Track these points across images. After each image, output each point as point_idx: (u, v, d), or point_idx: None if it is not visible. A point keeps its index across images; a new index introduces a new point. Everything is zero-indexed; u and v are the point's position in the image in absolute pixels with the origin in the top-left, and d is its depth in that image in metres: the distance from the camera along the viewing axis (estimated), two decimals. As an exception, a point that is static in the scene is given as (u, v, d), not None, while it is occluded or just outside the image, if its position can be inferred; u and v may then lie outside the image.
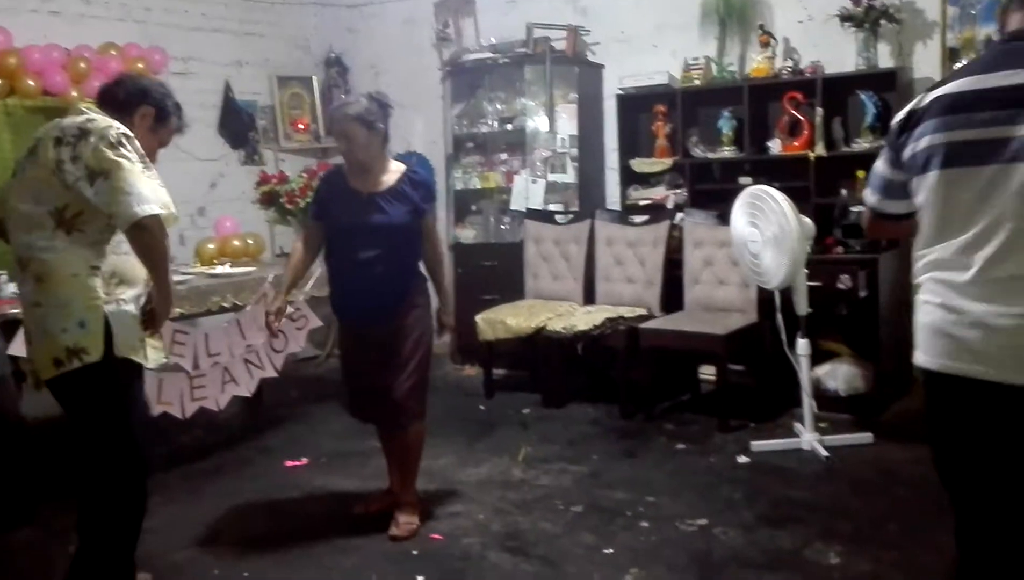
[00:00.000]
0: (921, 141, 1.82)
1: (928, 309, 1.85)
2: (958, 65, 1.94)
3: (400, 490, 3.44)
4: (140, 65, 5.08)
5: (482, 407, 4.93)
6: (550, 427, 4.53)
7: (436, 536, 3.30)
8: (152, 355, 2.68)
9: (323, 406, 5.04)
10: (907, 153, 1.86)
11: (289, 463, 4.16)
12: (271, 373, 4.25)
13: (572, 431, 4.45)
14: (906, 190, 1.90)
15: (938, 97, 1.80)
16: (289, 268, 3.41)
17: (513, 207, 5.50)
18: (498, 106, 5.69)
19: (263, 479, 3.98)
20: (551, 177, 5.43)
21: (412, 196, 3.26)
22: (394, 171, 3.30)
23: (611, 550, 3.13)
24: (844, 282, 4.33)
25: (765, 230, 3.95)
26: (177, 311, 3.93)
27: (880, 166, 1.98)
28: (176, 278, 4.15)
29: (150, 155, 2.60)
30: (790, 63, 4.78)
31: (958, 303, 1.77)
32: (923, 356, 1.86)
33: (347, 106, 3.27)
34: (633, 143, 5.34)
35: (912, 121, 1.85)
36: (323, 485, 3.88)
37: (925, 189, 1.83)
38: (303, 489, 3.84)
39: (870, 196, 2.04)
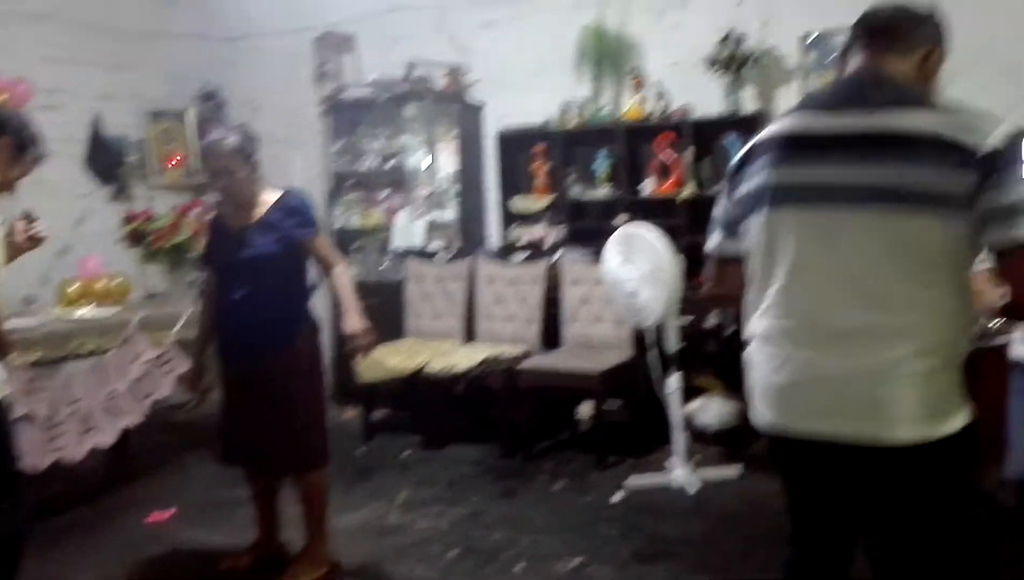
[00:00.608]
0: (754, 179, 1.79)
1: (759, 361, 1.82)
2: (798, 101, 1.90)
3: (307, 542, 3.31)
4: (3, 96, 4.85)
5: (361, 450, 4.84)
6: (430, 469, 4.48)
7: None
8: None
9: (193, 454, 4.83)
10: (741, 192, 1.83)
11: (154, 516, 3.97)
12: (136, 420, 4.07)
13: (452, 472, 4.41)
14: (737, 230, 1.86)
15: (777, 136, 1.78)
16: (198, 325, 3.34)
17: (394, 245, 5.46)
18: (379, 143, 5.66)
19: (125, 533, 3.79)
20: (432, 215, 5.42)
21: (282, 225, 3.11)
22: (266, 201, 3.17)
23: (485, 595, 3.10)
24: (713, 319, 4.46)
25: (640, 268, 4.03)
26: (34, 356, 3.74)
27: (719, 208, 1.93)
28: (33, 322, 3.96)
29: (8, 186, 2.53)
30: (661, 106, 4.93)
31: (789, 352, 1.74)
32: (760, 415, 1.85)
33: (224, 140, 3.12)
34: (513, 181, 5.40)
35: (750, 159, 1.82)
36: (190, 538, 3.73)
37: (751, 232, 1.80)
38: (169, 543, 3.68)
39: (711, 241, 1.96)
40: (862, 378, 1.65)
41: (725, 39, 4.66)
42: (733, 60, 4.64)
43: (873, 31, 1.77)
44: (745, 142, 1.91)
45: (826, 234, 1.68)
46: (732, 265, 1.91)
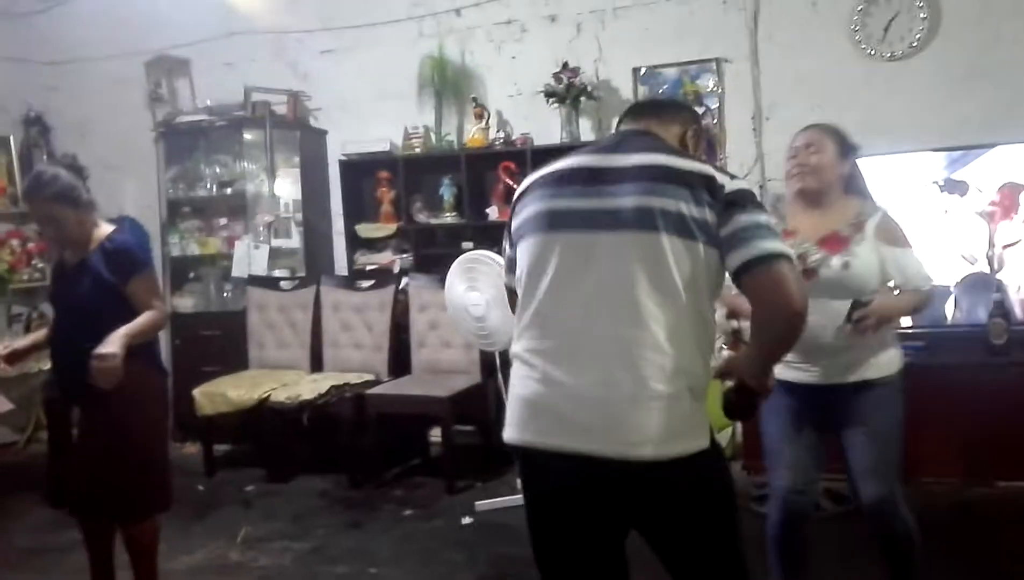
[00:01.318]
0: (528, 209, 1.88)
1: (517, 380, 1.83)
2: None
3: None
4: None
5: (201, 487, 4.65)
6: (274, 503, 4.35)
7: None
8: None
9: (18, 496, 4.52)
10: (515, 223, 1.92)
11: (-32, 566, 3.69)
12: (-52, 466, 3.76)
13: (297, 505, 4.30)
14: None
15: (552, 172, 1.89)
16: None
17: (235, 274, 5.31)
18: (217, 169, 5.50)
19: (-64, 588, 3.50)
20: (275, 242, 5.31)
21: (99, 269, 2.92)
22: (96, 238, 2.97)
23: (327, 628, 3.04)
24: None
25: (486, 292, 4.06)
26: None
27: (505, 246, 2.01)
28: None
29: None
30: (502, 134, 5.02)
31: (550, 371, 1.76)
32: (511, 431, 1.84)
33: (45, 186, 2.89)
34: (359, 208, 5.36)
35: (527, 192, 1.92)
36: (6, 588, 3.48)
37: (520, 257, 1.87)
38: (-15, 595, 3.42)
39: (504, 277, 2.05)
40: (610, 398, 1.71)
41: (560, 72, 4.80)
42: (569, 92, 4.79)
43: (640, 108, 2.06)
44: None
45: (584, 255, 1.77)
46: (515, 297, 1.96)
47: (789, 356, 2.25)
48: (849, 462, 2.51)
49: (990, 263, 4.08)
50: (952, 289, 4.14)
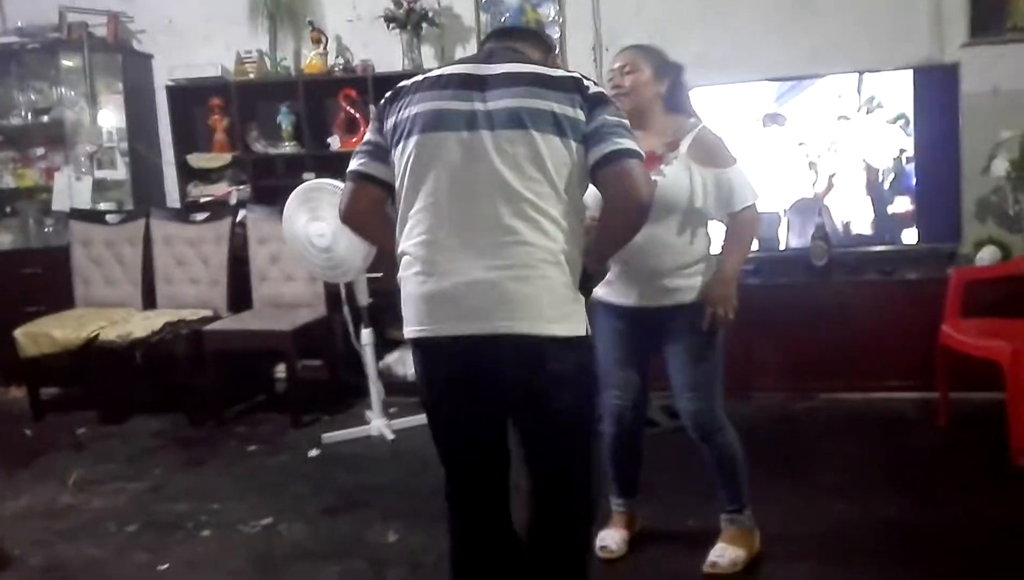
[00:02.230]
0: (404, 111, 1.95)
1: (410, 277, 1.94)
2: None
3: None
4: None
5: (28, 432, 4.41)
6: (108, 445, 4.17)
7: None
8: None
9: None
10: (389, 123, 1.98)
11: None
12: None
13: (133, 447, 4.14)
14: (387, 154, 1.99)
15: (427, 77, 1.98)
16: None
17: (56, 207, 4.98)
18: (32, 96, 5.10)
19: None
20: (99, 174, 5.01)
21: None
22: None
23: (166, 565, 2.96)
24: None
25: (331, 222, 3.95)
26: None
27: (368, 134, 2.07)
28: None
29: None
30: (342, 61, 4.88)
31: (440, 261, 1.87)
32: (409, 327, 1.97)
33: None
34: (190, 137, 5.10)
35: (399, 95, 1.99)
36: None
37: (401, 157, 1.94)
38: None
39: (354, 162, 2.05)
40: (498, 281, 1.85)
41: (402, -3, 4.69)
42: (410, 17, 4.68)
43: (504, 32, 2.14)
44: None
45: (466, 153, 1.87)
46: (371, 186, 2.02)
47: (612, 279, 2.45)
48: (670, 380, 2.62)
49: (815, 189, 4.33)
50: (783, 214, 4.37)
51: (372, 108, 4.72)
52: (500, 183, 1.84)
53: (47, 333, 4.39)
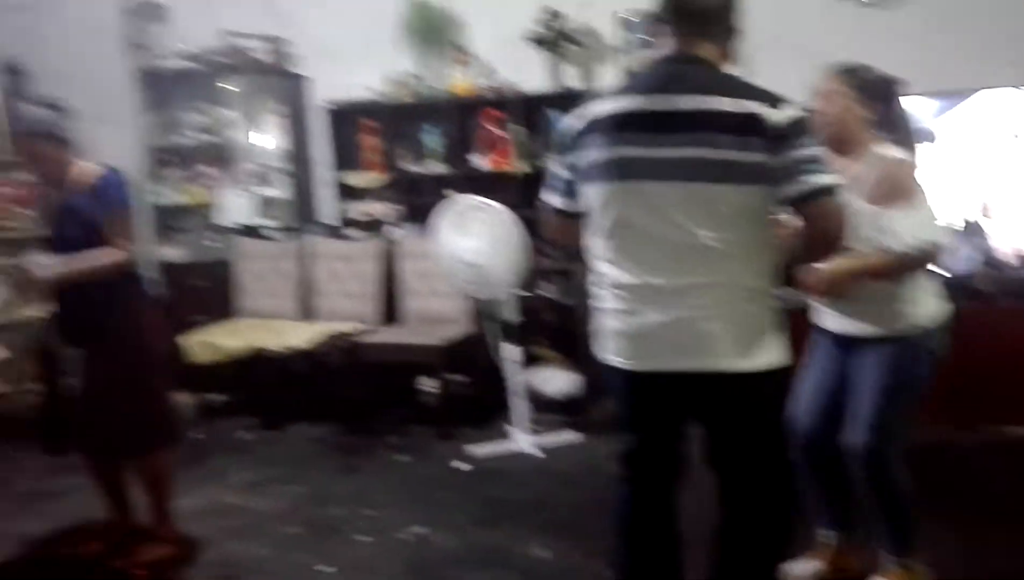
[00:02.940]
0: (591, 153, 2.02)
1: (610, 309, 2.08)
2: (623, 80, 2.23)
3: (151, 522, 3.24)
4: None
5: (196, 435, 4.68)
6: (269, 450, 4.40)
7: (140, 572, 3.09)
8: None
9: (12, 444, 4.56)
10: (576, 160, 2.08)
11: (-28, 508, 3.73)
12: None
13: (292, 452, 4.35)
14: (574, 190, 2.12)
15: (610, 116, 2.02)
16: None
17: (221, 223, 5.28)
18: (199, 117, 5.43)
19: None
20: (261, 191, 5.28)
21: (83, 208, 2.98)
22: (80, 179, 3.02)
23: (327, 567, 3.10)
24: (549, 290, 4.59)
25: (481, 239, 4.06)
26: None
27: (554, 168, 2.19)
28: None
29: None
30: (487, 82, 4.99)
31: (631, 306, 2.02)
32: (610, 354, 2.12)
33: (29, 125, 3.00)
34: (346, 157, 5.31)
35: (583, 130, 2.07)
36: (12, 529, 3.52)
37: (593, 199, 2.05)
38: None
39: (547, 196, 2.24)
40: (693, 322, 1.96)
41: (546, 18, 4.76)
42: (554, 38, 4.76)
43: (683, 16, 2.03)
44: (568, 117, 2.18)
45: (651, 203, 1.96)
46: (571, 221, 2.20)
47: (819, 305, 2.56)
48: (849, 407, 2.53)
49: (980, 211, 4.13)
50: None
51: (516, 128, 4.84)
52: (683, 232, 1.92)
53: (214, 342, 4.67)
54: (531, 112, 4.88)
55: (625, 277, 2.03)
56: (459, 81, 5.02)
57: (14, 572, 3.15)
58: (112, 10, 5.54)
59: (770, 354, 2.02)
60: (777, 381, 2.09)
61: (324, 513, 3.57)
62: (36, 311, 4.20)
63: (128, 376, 3.06)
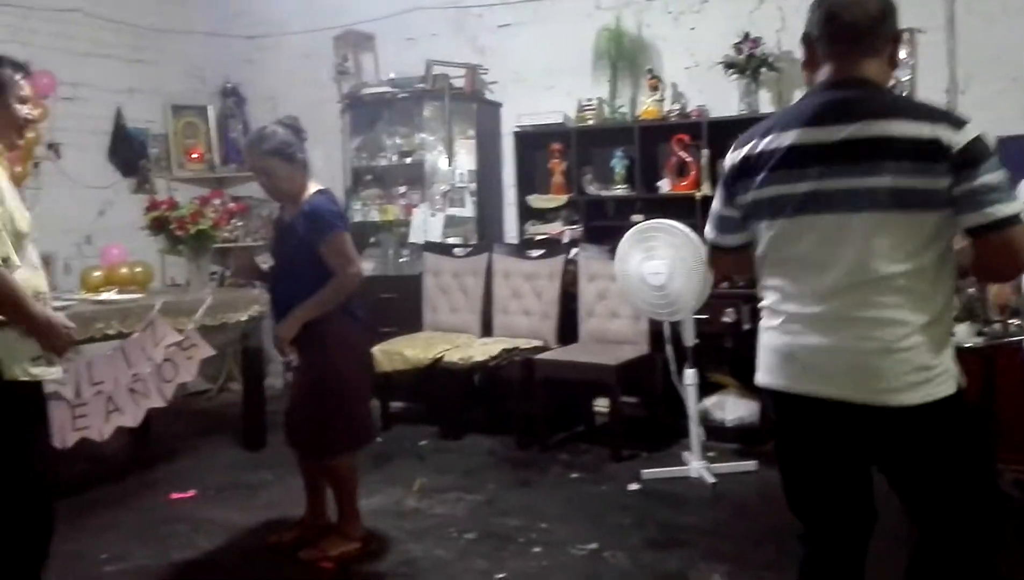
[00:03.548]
0: (757, 190, 1.95)
1: (773, 335, 1.99)
2: (781, 113, 2.09)
3: (337, 520, 3.44)
4: (27, 89, 4.93)
5: (379, 439, 4.86)
6: (446, 458, 4.53)
7: (327, 565, 3.26)
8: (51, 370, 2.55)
9: (213, 439, 4.95)
10: (742, 198, 2.00)
11: (175, 495, 4.05)
12: (159, 403, 4.12)
13: (468, 462, 4.46)
14: (738, 225, 2.05)
15: (772, 150, 1.91)
16: None
17: (412, 240, 5.54)
18: (397, 140, 5.74)
19: (148, 511, 3.86)
20: (450, 211, 5.49)
21: (298, 229, 3.21)
22: (306, 196, 3.27)
23: (503, 574, 3.15)
24: (729, 315, 4.50)
25: (667, 261, 4.05)
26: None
27: (716, 205, 2.11)
28: (57, 304, 4.02)
29: (17, 131, 2.50)
30: (678, 106, 5.00)
31: (800, 332, 1.91)
32: (768, 377, 2.01)
33: (263, 141, 3.21)
34: (530, 179, 5.47)
35: (746, 167, 1.97)
36: (210, 517, 3.79)
37: (763, 234, 1.97)
38: (189, 521, 3.74)
39: (708, 232, 2.17)
40: (860, 351, 1.84)
41: (741, 42, 4.73)
42: (749, 63, 4.71)
43: (839, 33, 1.88)
44: (730, 153, 2.07)
45: (821, 236, 1.86)
46: (727, 255, 2.15)
47: None
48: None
49: None
50: None
51: (704, 152, 4.81)
52: (855, 266, 1.82)
53: (400, 352, 4.88)
54: (722, 137, 4.82)
55: (792, 307, 1.93)
56: (649, 106, 5.05)
57: (215, 558, 3.38)
58: (325, 39, 5.96)
59: (942, 385, 1.84)
60: (957, 414, 1.87)
61: (500, 523, 3.64)
62: (241, 314, 4.55)
63: (323, 385, 3.24)
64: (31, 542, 2.58)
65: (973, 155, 1.73)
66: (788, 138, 1.89)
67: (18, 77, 2.49)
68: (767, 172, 1.91)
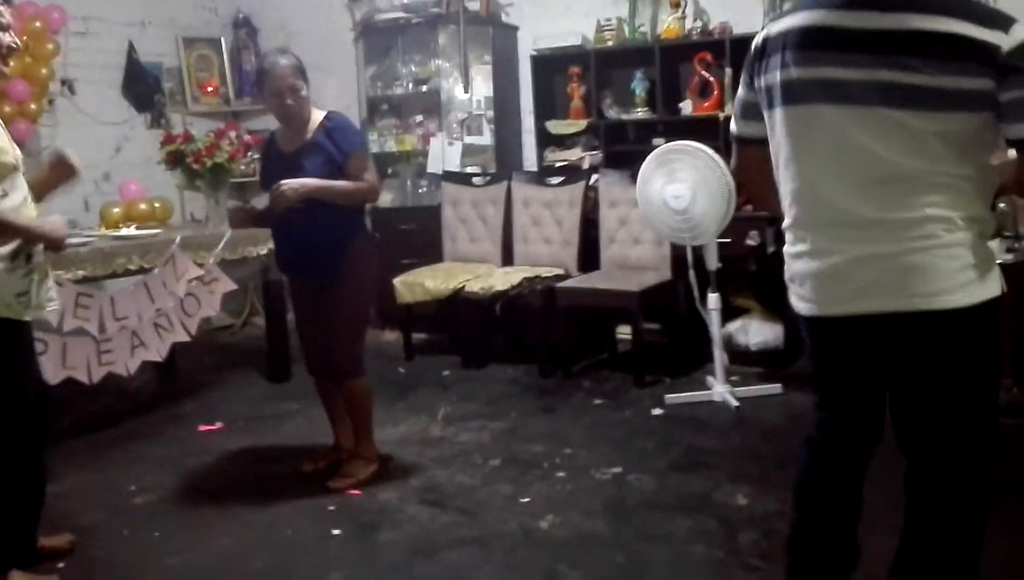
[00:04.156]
0: (768, 75, 1.84)
1: (795, 256, 1.90)
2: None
3: (353, 445, 3.46)
4: (37, 24, 4.87)
5: (401, 370, 4.91)
6: (470, 387, 4.54)
7: (354, 491, 3.29)
8: (29, 307, 2.55)
9: (238, 372, 4.98)
10: (759, 82, 1.89)
11: (203, 428, 4.09)
12: (183, 337, 4.14)
13: (491, 390, 4.47)
14: (761, 115, 1.92)
15: (789, 30, 1.79)
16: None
17: (430, 170, 5.47)
18: (412, 68, 5.62)
19: (176, 444, 3.90)
20: (468, 139, 5.40)
21: (327, 146, 3.18)
22: (314, 122, 3.24)
23: (528, 499, 3.17)
24: (753, 238, 4.43)
25: (689, 184, 3.98)
26: (80, 273, 3.81)
27: (740, 91, 2.01)
28: (78, 240, 4.03)
29: (1, 59, 2.46)
30: (699, 24, 4.84)
31: (821, 243, 1.82)
32: (800, 304, 1.93)
33: (284, 58, 3.21)
34: (549, 105, 5.35)
35: (765, 51, 1.86)
36: (237, 448, 3.84)
37: (772, 126, 1.87)
38: (217, 452, 3.79)
39: (733, 124, 2.07)
40: (884, 259, 1.74)
41: (766, -47, 4.56)
42: (775, -26, 4.54)
43: None
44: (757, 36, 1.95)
45: (841, 130, 1.74)
46: (752, 148, 2.01)
47: None
48: None
49: None
50: None
51: (727, 71, 4.67)
52: (873, 160, 1.71)
53: (421, 283, 4.86)
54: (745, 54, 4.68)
55: (810, 214, 1.83)
56: (670, 24, 4.90)
57: (243, 487, 3.42)
58: (335, -36, 5.82)
59: (977, 290, 1.73)
60: (989, 318, 1.77)
61: (524, 449, 3.65)
62: (261, 248, 4.53)
63: (348, 308, 3.26)
64: (18, 482, 2.58)
65: (1019, 60, 1.61)
66: (808, 19, 1.76)
67: None
68: (780, 55, 1.79)
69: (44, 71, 4.94)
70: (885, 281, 1.75)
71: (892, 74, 1.66)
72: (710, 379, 4.23)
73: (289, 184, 3.11)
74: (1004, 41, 1.61)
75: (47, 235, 2.53)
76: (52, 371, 3.55)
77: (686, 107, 4.90)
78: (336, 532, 2.98)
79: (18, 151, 2.55)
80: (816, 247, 1.83)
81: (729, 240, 4.30)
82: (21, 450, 2.58)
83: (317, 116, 3.26)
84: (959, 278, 1.71)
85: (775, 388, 4.16)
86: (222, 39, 6.23)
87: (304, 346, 3.49)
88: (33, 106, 4.90)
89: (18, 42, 2.54)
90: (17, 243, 2.48)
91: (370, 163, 3.30)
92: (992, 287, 1.76)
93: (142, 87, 5.80)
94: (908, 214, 1.71)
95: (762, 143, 1.96)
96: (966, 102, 1.65)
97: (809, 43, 1.76)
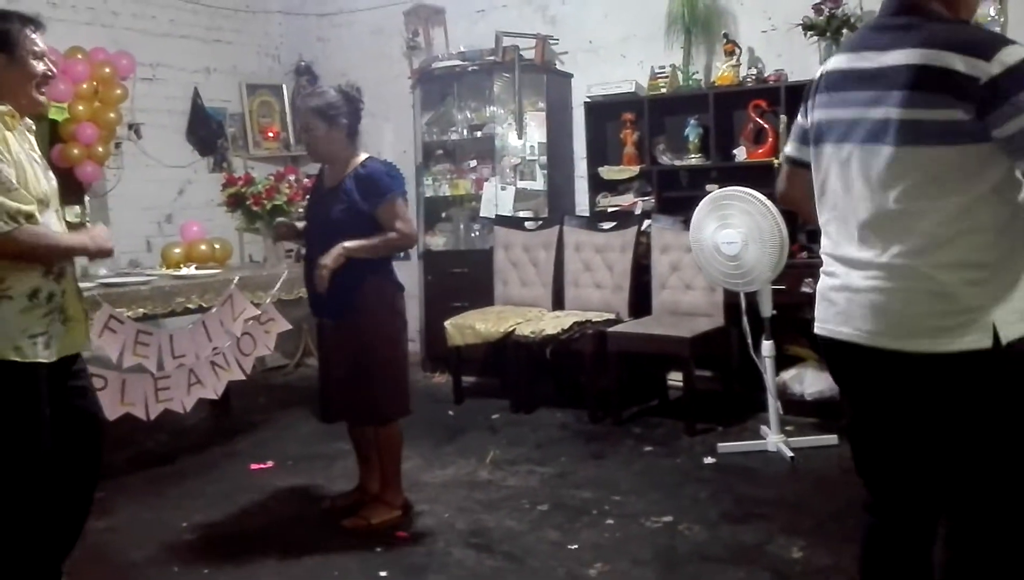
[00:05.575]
0: (810, 114, 1.93)
1: (821, 278, 1.96)
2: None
3: (379, 489, 3.45)
4: (107, 70, 5.06)
5: (451, 412, 4.92)
6: (518, 431, 4.52)
7: (401, 534, 3.28)
8: (49, 347, 2.40)
9: (291, 412, 5.03)
10: (811, 117, 1.94)
11: (254, 466, 4.13)
12: (239, 375, 4.21)
13: (540, 435, 4.45)
14: (808, 140, 1.98)
15: (827, 72, 1.90)
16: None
17: (483, 214, 5.52)
18: (468, 114, 5.71)
19: (227, 481, 3.94)
20: (520, 184, 5.46)
21: (353, 194, 3.20)
22: (352, 165, 3.27)
23: (576, 546, 3.13)
24: (808, 286, 4.36)
25: (740, 230, 3.95)
26: (140, 311, 3.91)
27: (798, 117, 2.04)
28: (139, 279, 4.15)
29: (35, 87, 2.42)
30: (754, 71, 4.85)
31: (842, 274, 1.86)
32: (816, 322, 1.96)
33: (310, 97, 3.29)
34: (601, 151, 5.38)
35: (815, 88, 1.93)
36: (288, 486, 3.86)
37: (813, 157, 1.94)
38: (267, 490, 3.81)
39: (787, 145, 2.10)
40: (877, 291, 1.76)
41: (821, 3, 4.55)
42: (830, 23, 4.53)
43: None
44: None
45: (842, 169, 1.82)
46: (801, 169, 2.02)
47: None
48: None
49: None
50: None
51: (782, 117, 4.66)
52: (867, 199, 1.76)
53: (471, 325, 4.88)
54: (800, 102, 4.67)
55: (827, 244, 1.92)
56: (724, 72, 4.91)
57: (290, 526, 3.44)
58: (395, 15, 5.96)
59: (976, 336, 1.65)
60: (992, 373, 1.68)
61: (572, 495, 3.61)
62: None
63: (366, 351, 3.24)
64: (22, 535, 2.41)
65: (1004, 88, 1.56)
66: (832, 62, 1.88)
67: (28, 31, 2.42)
68: (816, 96, 1.90)
69: (112, 115, 5.12)
70: (868, 315, 1.78)
71: (892, 111, 1.70)
72: (764, 428, 4.15)
73: (323, 264, 3.15)
74: (983, 70, 1.58)
75: (97, 249, 2.55)
76: (110, 407, 3.61)
77: (740, 153, 4.89)
78: (383, 574, 2.97)
79: (46, 185, 2.45)
80: (831, 271, 1.91)
81: (784, 287, 4.24)
82: (35, 496, 2.41)
83: (358, 159, 3.30)
84: (929, 323, 1.70)
85: (831, 439, 4.07)
86: (283, 86, 6.41)
87: (320, 389, 3.47)
88: (100, 149, 5.07)
89: (54, 69, 2.51)
90: (38, 282, 2.39)
91: (403, 210, 3.26)
92: (977, 338, 1.66)
93: (206, 132, 5.98)
94: (888, 258, 1.74)
95: (803, 166, 2.02)
96: (953, 136, 1.64)
97: (827, 86, 1.87)
